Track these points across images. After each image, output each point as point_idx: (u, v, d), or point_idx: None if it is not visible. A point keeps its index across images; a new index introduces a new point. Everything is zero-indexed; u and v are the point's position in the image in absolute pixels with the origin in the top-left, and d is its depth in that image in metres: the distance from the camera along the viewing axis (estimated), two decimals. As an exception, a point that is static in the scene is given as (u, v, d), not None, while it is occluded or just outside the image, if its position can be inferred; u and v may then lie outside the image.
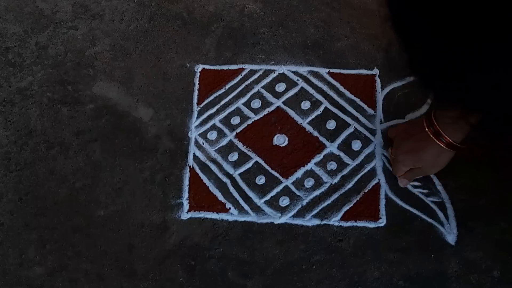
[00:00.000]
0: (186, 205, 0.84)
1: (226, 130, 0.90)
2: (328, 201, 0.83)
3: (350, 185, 0.84)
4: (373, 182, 0.84)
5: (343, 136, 0.88)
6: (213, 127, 0.90)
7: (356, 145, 0.87)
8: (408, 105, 0.89)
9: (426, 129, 0.68)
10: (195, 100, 0.93)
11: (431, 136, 0.67)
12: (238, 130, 0.90)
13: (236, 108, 0.91)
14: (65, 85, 0.95)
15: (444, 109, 0.48)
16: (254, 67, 0.95)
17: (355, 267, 0.79)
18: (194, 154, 0.88)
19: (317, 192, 0.84)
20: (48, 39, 1.00)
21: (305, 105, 0.90)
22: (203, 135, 0.90)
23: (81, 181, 0.87)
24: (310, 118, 0.89)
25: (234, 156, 0.87)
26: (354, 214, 0.82)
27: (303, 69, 0.94)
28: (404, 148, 0.75)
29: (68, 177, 0.87)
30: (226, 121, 0.91)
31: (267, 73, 0.94)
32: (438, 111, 0.66)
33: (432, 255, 0.78)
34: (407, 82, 0.91)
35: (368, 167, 0.85)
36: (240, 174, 0.86)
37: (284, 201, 0.84)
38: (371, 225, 0.81)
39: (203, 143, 0.89)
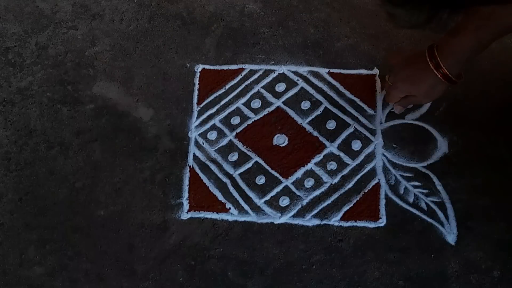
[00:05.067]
0: (186, 205, 0.84)
1: (226, 130, 0.90)
2: (328, 201, 0.83)
3: (350, 185, 0.84)
4: (373, 182, 0.84)
5: (343, 136, 0.88)
6: (213, 127, 0.90)
7: (356, 145, 0.87)
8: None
9: (428, 60, 0.72)
10: (195, 100, 0.93)
11: (431, 67, 0.72)
12: (238, 130, 0.90)
13: (236, 108, 0.91)
14: (65, 85, 0.95)
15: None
16: (254, 67, 0.95)
17: (355, 267, 0.79)
18: (194, 154, 0.88)
19: (317, 192, 0.84)
20: (48, 39, 1.00)
21: (305, 105, 0.90)
22: (203, 135, 0.90)
23: (81, 181, 0.87)
24: (310, 118, 0.89)
25: (234, 156, 0.87)
26: (354, 214, 0.82)
27: (303, 69, 0.94)
28: (403, 75, 0.79)
29: (68, 177, 0.87)
30: (226, 121, 0.91)
31: (267, 73, 0.94)
32: (441, 45, 0.72)
33: (432, 255, 0.78)
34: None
35: (368, 167, 0.85)
36: (240, 174, 0.86)
37: (284, 201, 0.84)
38: (371, 225, 0.81)
39: (203, 143, 0.89)
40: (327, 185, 0.84)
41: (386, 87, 0.85)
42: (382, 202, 0.82)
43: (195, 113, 0.91)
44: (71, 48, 0.99)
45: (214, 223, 0.83)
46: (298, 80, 0.93)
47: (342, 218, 0.82)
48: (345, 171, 0.85)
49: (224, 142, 0.89)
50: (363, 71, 0.93)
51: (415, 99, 0.81)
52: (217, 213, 0.83)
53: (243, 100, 0.92)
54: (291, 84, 0.93)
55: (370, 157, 0.86)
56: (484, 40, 0.67)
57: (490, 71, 0.90)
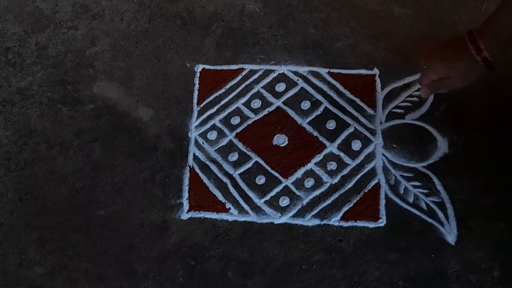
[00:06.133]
0: (186, 205, 0.84)
1: (226, 130, 0.90)
2: (328, 201, 0.83)
3: (350, 185, 0.84)
4: (373, 182, 0.84)
5: (343, 136, 0.88)
6: (213, 127, 0.90)
7: (356, 145, 0.87)
8: (408, 105, 0.89)
9: (469, 43, 0.69)
10: (195, 100, 0.93)
11: (472, 50, 0.69)
12: (238, 130, 0.90)
13: (236, 108, 0.91)
14: (65, 85, 0.95)
15: None
16: (254, 67, 0.95)
17: (355, 267, 0.79)
18: (194, 154, 0.88)
19: (317, 192, 0.84)
20: (48, 39, 1.00)
21: (305, 105, 0.90)
22: (203, 135, 0.90)
23: (81, 181, 0.87)
24: (310, 118, 0.89)
25: (234, 156, 0.87)
26: (354, 214, 0.82)
27: (303, 69, 0.94)
28: (440, 55, 0.74)
29: (68, 177, 0.87)
30: (226, 121, 0.91)
31: (267, 73, 0.94)
32: (480, 29, 0.69)
33: (432, 255, 0.78)
34: (407, 82, 0.91)
35: (368, 167, 0.85)
36: (240, 174, 0.86)
37: (284, 201, 0.84)
38: (371, 225, 0.81)
39: (203, 143, 0.89)
40: (327, 185, 0.84)
41: (421, 70, 0.79)
42: (382, 202, 0.82)
43: (195, 113, 0.91)
44: (71, 48, 0.99)
45: (214, 223, 0.83)
46: (298, 80, 0.93)
47: (342, 218, 0.82)
48: (345, 171, 0.85)
49: (224, 142, 0.89)
50: (363, 71, 0.93)
51: (449, 82, 0.76)
52: (217, 213, 0.83)
53: (243, 100, 0.92)
54: (291, 84, 0.93)
55: (370, 157, 0.86)
56: None
57: (490, 71, 0.90)
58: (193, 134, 0.90)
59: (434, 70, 0.76)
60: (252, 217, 0.83)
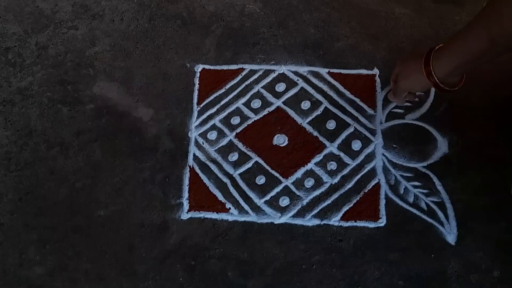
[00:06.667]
0: (186, 205, 0.84)
1: (226, 130, 0.90)
2: (328, 201, 0.83)
3: (350, 185, 0.84)
4: (373, 182, 0.84)
5: (343, 136, 0.88)
6: (213, 127, 0.90)
7: (356, 145, 0.87)
8: (408, 105, 0.89)
9: (423, 66, 0.71)
10: (195, 100, 0.93)
11: (424, 74, 0.71)
12: (238, 130, 0.90)
13: (236, 108, 0.91)
14: (65, 85, 0.95)
15: None
16: (254, 67, 0.95)
17: (355, 267, 0.79)
18: (194, 154, 0.88)
19: (317, 192, 0.84)
20: (48, 39, 1.00)
21: (305, 105, 0.90)
22: (203, 135, 0.90)
23: (81, 181, 0.87)
24: (310, 118, 0.89)
25: (234, 156, 0.87)
26: (354, 214, 0.82)
27: (303, 69, 0.94)
28: (401, 57, 0.79)
29: (68, 177, 0.87)
30: (226, 121, 0.91)
31: (267, 73, 0.94)
32: (440, 49, 0.70)
33: (432, 255, 0.78)
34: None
35: (368, 167, 0.85)
36: (240, 174, 0.86)
37: (284, 201, 0.84)
38: (371, 225, 0.81)
39: (203, 143, 0.89)
40: (327, 185, 0.84)
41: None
42: (382, 202, 0.82)
43: (195, 113, 0.91)
44: (71, 48, 0.99)
45: (214, 223, 0.83)
46: (298, 80, 0.93)
47: (342, 218, 0.82)
48: (345, 171, 0.85)
49: (224, 142, 0.89)
50: (363, 71, 0.93)
51: (397, 83, 0.80)
52: (217, 213, 0.83)
53: (243, 100, 0.92)
54: (291, 84, 0.93)
55: (370, 157, 0.86)
56: (487, 46, 0.60)
57: (490, 71, 0.90)
58: (193, 134, 0.90)
59: (396, 69, 0.80)
60: (252, 217, 0.83)
